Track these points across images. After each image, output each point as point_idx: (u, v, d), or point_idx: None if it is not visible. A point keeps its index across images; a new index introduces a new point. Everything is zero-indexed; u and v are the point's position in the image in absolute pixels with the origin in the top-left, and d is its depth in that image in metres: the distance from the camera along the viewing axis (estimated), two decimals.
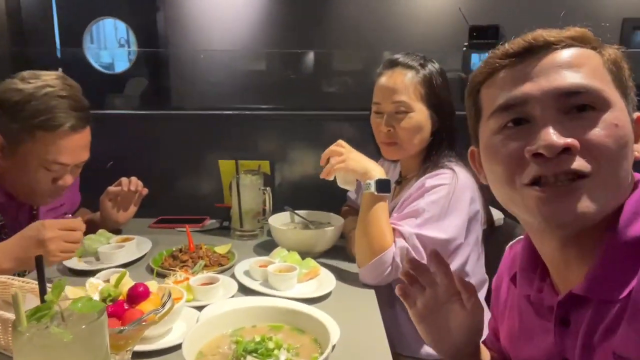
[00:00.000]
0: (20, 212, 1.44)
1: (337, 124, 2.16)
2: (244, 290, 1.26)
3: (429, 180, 1.35)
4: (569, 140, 0.61)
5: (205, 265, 1.35)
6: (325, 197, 1.92)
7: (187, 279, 1.22)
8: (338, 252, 1.55)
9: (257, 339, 0.87)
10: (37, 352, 0.60)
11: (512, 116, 0.66)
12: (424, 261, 1.16)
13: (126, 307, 0.81)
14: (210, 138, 2.09)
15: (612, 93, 0.64)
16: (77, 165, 1.39)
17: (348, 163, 1.35)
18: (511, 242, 0.93)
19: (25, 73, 1.32)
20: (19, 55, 2.45)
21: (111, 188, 1.63)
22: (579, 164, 0.61)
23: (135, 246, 1.50)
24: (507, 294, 0.89)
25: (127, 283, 0.93)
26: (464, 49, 3.03)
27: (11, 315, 0.93)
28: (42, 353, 0.60)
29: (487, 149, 0.71)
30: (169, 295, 0.85)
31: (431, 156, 1.42)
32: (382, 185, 1.32)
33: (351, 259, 1.44)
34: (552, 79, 0.64)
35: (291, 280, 1.26)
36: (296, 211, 1.69)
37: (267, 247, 1.62)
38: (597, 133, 0.62)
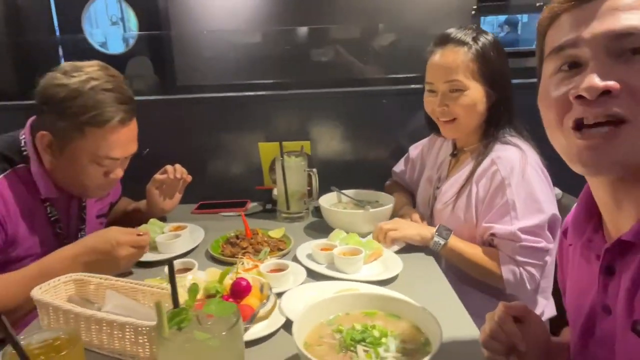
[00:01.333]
0: (70, 205, 1.42)
1: (365, 100, 2.13)
2: (311, 274, 1.26)
3: (498, 158, 1.34)
4: (610, 82, 0.60)
5: (268, 253, 1.34)
6: (365, 174, 1.92)
7: (256, 266, 1.22)
8: None
9: (358, 327, 0.88)
10: (183, 358, 0.60)
11: (564, 59, 0.66)
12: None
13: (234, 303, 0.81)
14: (237, 120, 2.05)
15: None
16: (127, 157, 1.36)
17: (404, 232, 1.39)
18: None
19: (67, 66, 1.27)
20: (17, 44, 2.39)
21: (157, 176, 1.61)
22: (619, 108, 0.60)
23: (189, 234, 1.49)
24: (564, 252, 0.89)
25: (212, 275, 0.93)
26: (473, 12, 2.97)
27: (93, 312, 0.93)
28: (188, 358, 0.60)
29: (542, 92, 0.71)
30: (270, 288, 0.84)
31: (491, 130, 1.41)
32: (444, 234, 1.36)
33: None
34: (606, 21, 0.62)
35: (358, 263, 1.26)
36: (342, 191, 1.68)
37: (316, 228, 1.62)
38: None
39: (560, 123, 0.67)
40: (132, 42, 3.90)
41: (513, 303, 0.88)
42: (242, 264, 1.25)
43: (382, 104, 1.99)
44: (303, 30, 2.37)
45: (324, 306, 0.93)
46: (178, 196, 1.66)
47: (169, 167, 1.62)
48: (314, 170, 1.66)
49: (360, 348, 0.81)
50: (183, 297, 0.68)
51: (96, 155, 1.27)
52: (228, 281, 0.98)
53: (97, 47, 3.51)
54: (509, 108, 1.42)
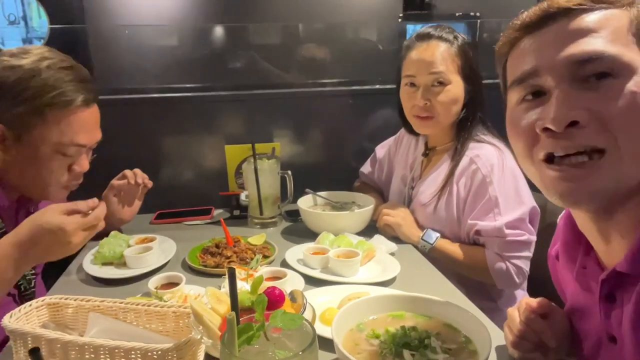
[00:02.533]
0: (19, 215, 1.23)
1: (325, 100, 2.09)
2: (308, 280, 1.19)
3: (477, 157, 1.36)
4: (574, 113, 0.57)
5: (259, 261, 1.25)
6: (333, 175, 1.87)
7: (251, 275, 1.12)
8: (370, 229, 1.51)
9: (392, 330, 0.83)
10: None
11: (527, 89, 0.64)
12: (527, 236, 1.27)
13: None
14: (193, 123, 1.91)
15: (636, 57, 0.59)
16: (91, 146, 1.22)
17: (401, 229, 1.44)
18: (561, 214, 0.90)
19: (12, 49, 1.11)
20: None
21: (115, 182, 1.46)
22: (590, 138, 0.58)
23: (159, 246, 1.35)
24: (558, 269, 0.90)
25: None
26: (399, 20, 3.09)
27: (72, 338, 0.79)
28: None
29: (508, 122, 0.70)
30: (304, 298, 0.76)
31: (465, 127, 1.43)
32: (430, 238, 1.40)
33: (386, 235, 1.44)
34: (566, 47, 0.60)
35: (356, 265, 1.21)
36: (318, 193, 1.62)
37: (293, 232, 1.55)
38: (614, 103, 0.57)
39: (530, 154, 0.65)
40: (37, 43, 3.53)
41: (536, 300, 0.87)
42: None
43: (340, 104, 1.96)
44: (238, 28, 2.26)
45: (350, 312, 0.87)
46: (138, 204, 1.51)
47: (127, 172, 1.47)
48: (289, 172, 1.59)
49: (406, 353, 0.76)
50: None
51: (60, 143, 1.11)
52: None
53: None
54: (482, 106, 1.45)
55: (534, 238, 1.36)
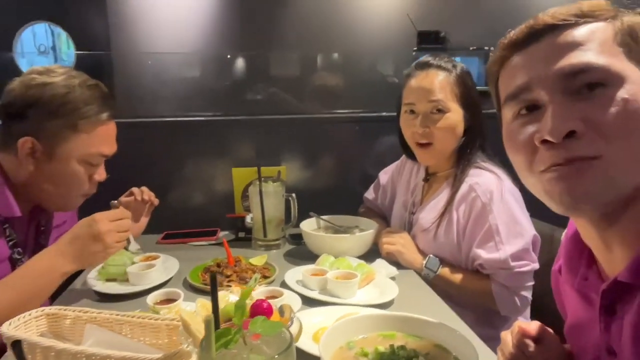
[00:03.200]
0: (30, 227, 1.27)
1: (333, 126, 2.13)
2: (305, 301, 1.19)
3: (476, 184, 1.36)
4: (571, 123, 0.59)
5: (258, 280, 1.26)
6: (339, 199, 1.89)
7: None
8: (372, 254, 1.51)
9: (382, 349, 0.83)
10: None
11: (521, 104, 0.66)
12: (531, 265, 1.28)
13: None
14: (202, 146, 1.97)
15: (624, 66, 0.60)
16: (109, 157, 1.29)
17: (403, 256, 1.44)
18: (565, 230, 0.88)
19: (36, 68, 1.19)
20: None
21: (123, 198, 1.50)
22: (587, 147, 0.59)
23: (162, 264, 1.37)
24: (560, 285, 0.88)
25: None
26: (414, 53, 3.16)
27: (66, 345, 0.81)
28: None
29: (505, 139, 0.70)
30: (292, 312, 0.77)
31: (465, 154, 1.44)
32: (433, 266, 1.40)
33: (388, 260, 1.43)
34: (556, 60, 0.62)
35: (353, 287, 1.22)
36: (322, 217, 1.64)
37: (296, 255, 1.56)
38: (608, 111, 0.58)
39: (530, 167, 0.65)
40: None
41: (530, 325, 0.85)
42: (230, 292, 1.16)
43: (348, 131, 2.00)
44: (254, 57, 2.34)
45: (341, 330, 0.87)
46: (144, 220, 1.55)
47: (135, 190, 1.52)
48: (293, 195, 1.61)
49: None
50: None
51: (88, 153, 1.19)
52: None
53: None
54: (482, 134, 1.46)
55: (537, 266, 1.35)
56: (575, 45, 0.61)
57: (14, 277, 1.08)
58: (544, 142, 0.61)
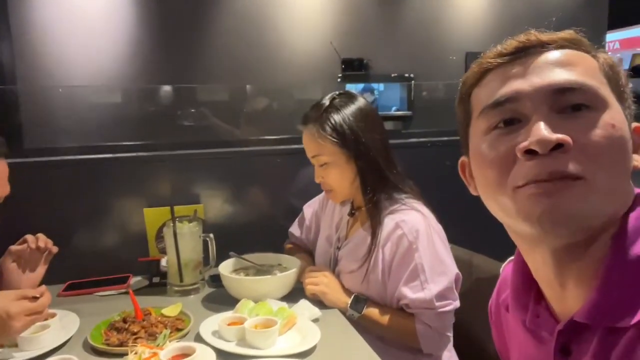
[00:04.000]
0: None
1: (254, 160, 2.06)
2: (221, 355, 1.10)
3: (403, 221, 1.34)
4: (561, 135, 0.56)
5: (167, 336, 1.15)
6: (263, 235, 1.82)
7: (156, 354, 1.03)
8: (296, 292, 1.45)
9: None
10: None
11: (502, 115, 0.62)
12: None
13: None
14: (109, 185, 1.82)
15: (608, 94, 0.61)
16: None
17: (326, 297, 1.40)
18: (504, 263, 0.88)
19: None
20: None
21: (14, 247, 1.34)
22: (573, 165, 0.56)
23: (59, 323, 1.22)
24: (503, 321, 0.85)
25: None
26: (339, 80, 3.24)
27: None
28: None
29: (477, 153, 0.66)
30: None
31: (367, 192, 1.40)
32: (358, 307, 1.37)
33: (312, 300, 1.39)
34: (545, 75, 0.61)
35: (273, 336, 1.14)
36: (242, 256, 1.55)
37: (216, 300, 1.46)
38: (593, 132, 0.58)
39: (503, 183, 0.61)
40: None
41: None
42: (136, 353, 1.05)
43: (268, 163, 1.94)
44: (169, 90, 2.25)
45: None
46: (41, 270, 1.39)
47: (29, 237, 1.37)
48: (211, 235, 1.52)
49: None
50: None
51: None
52: None
53: None
54: (378, 167, 1.41)
55: (458, 304, 1.36)
56: (567, 64, 0.61)
57: None
58: (528, 152, 0.57)
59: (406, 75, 4.00)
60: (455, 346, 1.43)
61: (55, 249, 1.39)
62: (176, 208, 1.54)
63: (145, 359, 1.01)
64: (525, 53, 0.63)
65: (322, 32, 3.51)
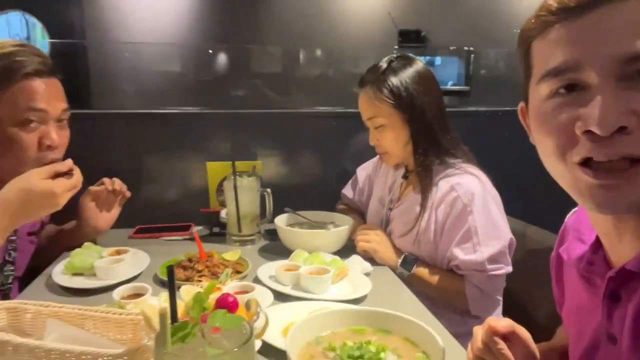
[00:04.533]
0: None
1: (310, 122, 2.11)
2: (277, 296, 1.18)
3: (458, 184, 1.36)
4: (623, 118, 0.53)
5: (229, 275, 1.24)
6: (316, 195, 1.88)
7: (219, 289, 1.11)
8: (347, 250, 1.50)
9: (350, 343, 0.82)
10: None
11: (563, 82, 0.59)
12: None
13: None
14: (177, 139, 1.93)
15: None
16: (59, 118, 1.22)
17: (377, 254, 1.44)
18: (570, 213, 0.89)
19: None
20: None
21: (93, 188, 1.46)
22: (636, 147, 0.54)
23: (132, 258, 1.34)
24: (562, 268, 0.88)
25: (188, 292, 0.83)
26: (394, 52, 3.19)
27: (23, 340, 0.78)
28: None
29: (537, 117, 0.64)
30: (258, 306, 0.76)
31: (420, 154, 1.43)
32: (408, 265, 1.40)
33: (364, 256, 1.44)
34: (613, 41, 0.55)
35: (326, 282, 1.21)
36: (297, 212, 1.62)
37: (270, 250, 1.54)
38: None
39: (563, 154, 0.60)
40: None
41: (500, 322, 0.83)
42: (201, 287, 1.14)
43: (326, 126, 1.98)
44: (229, 50, 2.31)
45: (309, 325, 0.86)
46: (115, 212, 1.51)
47: (106, 180, 1.48)
48: (268, 190, 1.59)
49: None
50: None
51: (18, 113, 1.13)
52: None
53: None
54: (432, 130, 1.42)
55: (510, 269, 1.37)
56: (634, 23, 0.54)
57: None
58: (588, 132, 0.55)
59: (465, 48, 3.88)
60: (504, 313, 1.44)
61: (128, 194, 1.50)
62: (236, 163, 1.62)
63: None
64: (588, 9, 0.56)
65: (381, 2, 3.47)
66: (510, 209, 1.51)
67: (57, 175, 1.11)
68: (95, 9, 2.65)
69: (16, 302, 0.91)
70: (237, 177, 1.57)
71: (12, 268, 1.25)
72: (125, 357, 0.74)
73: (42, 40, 3.51)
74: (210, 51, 2.43)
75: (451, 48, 4.19)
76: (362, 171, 1.77)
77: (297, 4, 2.99)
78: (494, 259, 1.32)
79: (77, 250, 1.32)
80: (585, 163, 0.58)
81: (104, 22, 2.61)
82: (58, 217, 1.57)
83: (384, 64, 1.44)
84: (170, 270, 0.58)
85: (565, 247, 0.81)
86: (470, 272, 1.34)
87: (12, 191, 1.05)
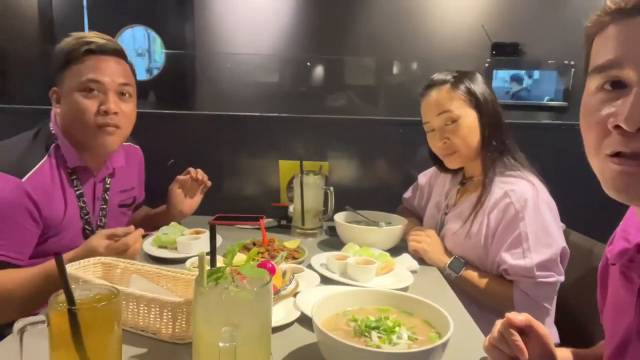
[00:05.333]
0: (95, 185, 1.48)
1: (383, 129, 2.22)
2: (324, 280, 1.30)
3: (512, 191, 1.39)
4: None
5: (284, 258, 1.39)
6: (377, 198, 1.98)
7: (274, 266, 1.26)
8: (399, 250, 1.59)
9: (372, 318, 0.92)
10: (217, 308, 0.65)
11: (607, 79, 0.62)
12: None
13: None
14: (257, 140, 2.15)
15: None
16: (119, 91, 1.40)
17: (427, 254, 1.51)
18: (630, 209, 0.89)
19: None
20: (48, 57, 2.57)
21: (180, 177, 1.70)
22: None
23: (207, 238, 1.54)
24: (607, 270, 0.89)
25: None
26: (486, 65, 3.14)
27: (121, 288, 0.98)
28: (222, 309, 0.65)
29: (582, 110, 0.67)
30: (293, 274, 0.89)
31: (488, 153, 1.47)
32: (457, 267, 1.45)
33: (415, 256, 1.51)
34: None
35: (371, 272, 1.31)
36: (357, 211, 1.74)
37: (329, 244, 1.67)
38: None
39: (599, 147, 0.64)
40: (155, 72, 4.13)
41: (518, 316, 0.89)
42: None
43: (393, 133, 2.08)
44: (320, 67, 2.51)
45: (339, 299, 0.98)
46: (197, 199, 1.73)
47: (191, 169, 1.71)
48: (331, 188, 1.73)
49: (374, 334, 0.86)
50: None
51: (81, 82, 1.35)
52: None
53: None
54: (502, 132, 1.48)
55: (562, 279, 1.36)
56: None
57: (31, 271, 1.20)
58: (617, 127, 0.59)
59: (565, 62, 3.73)
60: (559, 326, 1.43)
61: (209, 183, 1.72)
62: (305, 163, 1.78)
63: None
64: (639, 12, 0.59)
65: (473, 14, 3.48)
66: (587, 227, 1.51)
67: (114, 237, 1.24)
68: (204, 24, 3.03)
69: (110, 258, 1.14)
70: (303, 175, 1.73)
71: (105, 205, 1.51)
72: (184, 306, 0.92)
73: (159, 51, 4.01)
74: (308, 63, 2.65)
75: (550, 62, 4.04)
76: (423, 177, 1.85)
77: (392, 16, 3.12)
78: (543, 265, 1.33)
79: (164, 227, 1.56)
80: (616, 155, 0.61)
81: (211, 35, 2.98)
82: (150, 201, 1.85)
83: (453, 72, 1.52)
84: (212, 227, 0.73)
85: (611, 247, 0.83)
86: (519, 277, 1.36)
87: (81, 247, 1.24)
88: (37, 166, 1.30)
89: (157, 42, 4.24)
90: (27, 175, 1.27)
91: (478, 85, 1.48)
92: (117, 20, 3.80)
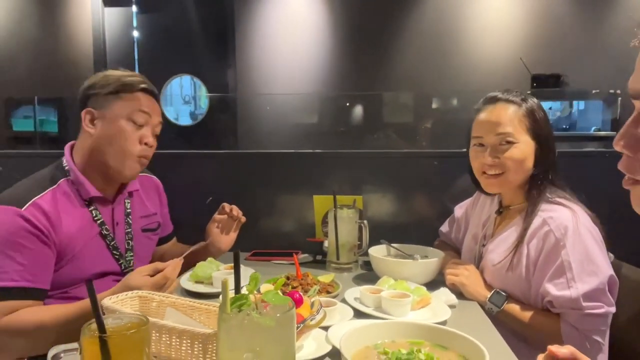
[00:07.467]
0: (115, 210, 1.53)
1: (417, 162, 2.20)
2: (358, 315, 1.28)
3: (550, 218, 1.35)
4: (620, 142, 0.60)
5: (317, 291, 1.38)
6: (414, 231, 1.94)
7: (302, 297, 1.25)
8: (437, 284, 1.54)
9: (403, 351, 0.89)
10: (240, 334, 0.65)
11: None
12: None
13: None
14: (292, 176, 2.18)
15: None
16: (155, 126, 1.53)
17: (465, 288, 1.46)
18: None
19: None
20: None
21: (217, 215, 1.73)
22: None
23: (243, 274, 1.55)
24: None
25: None
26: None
27: (155, 319, 0.99)
28: (244, 335, 0.65)
29: None
30: (321, 305, 0.88)
31: (536, 186, 1.43)
32: (498, 301, 1.39)
33: (453, 290, 1.46)
34: None
35: (406, 306, 1.27)
36: (392, 244, 1.72)
37: (364, 278, 1.65)
38: None
39: None
40: (200, 117, 4.35)
41: (561, 348, 0.86)
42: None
43: (428, 166, 2.06)
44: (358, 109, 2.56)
45: (370, 331, 0.96)
46: (233, 235, 1.75)
47: (225, 205, 1.74)
48: (365, 222, 1.72)
49: None
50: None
51: (131, 112, 1.46)
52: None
53: (171, 119, 3.95)
54: (554, 167, 1.44)
55: (613, 310, 1.28)
56: None
57: (68, 309, 1.28)
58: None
59: (611, 91, 3.65)
60: None
61: (243, 219, 1.75)
62: (339, 197, 1.79)
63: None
64: None
65: (511, 46, 3.48)
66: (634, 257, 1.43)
67: (156, 272, 1.31)
68: (244, 70, 3.18)
69: (146, 292, 1.17)
70: (337, 209, 1.73)
71: (131, 254, 1.55)
72: (214, 337, 0.93)
73: (204, 97, 4.24)
74: (348, 104, 2.71)
75: (594, 92, 3.93)
76: (460, 209, 1.80)
77: (429, 53, 3.16)
78: (590, 296, 1.26)
79: (201, 263, 1.59)
80: None
81: (251, 79, 3.12)
82: (190, 238, 1.89)
83: (518, 92, 1.49)
84: (235, 255, 0.74)
85: None
86: (565, 309, 1.29)
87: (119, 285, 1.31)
88: (38, 196, 1.36)
89: (202, 88, 4.50)
90: (27, 205, 1.33)
91: (542, 117, 1.44)
92: (166, 69, 4.06)
